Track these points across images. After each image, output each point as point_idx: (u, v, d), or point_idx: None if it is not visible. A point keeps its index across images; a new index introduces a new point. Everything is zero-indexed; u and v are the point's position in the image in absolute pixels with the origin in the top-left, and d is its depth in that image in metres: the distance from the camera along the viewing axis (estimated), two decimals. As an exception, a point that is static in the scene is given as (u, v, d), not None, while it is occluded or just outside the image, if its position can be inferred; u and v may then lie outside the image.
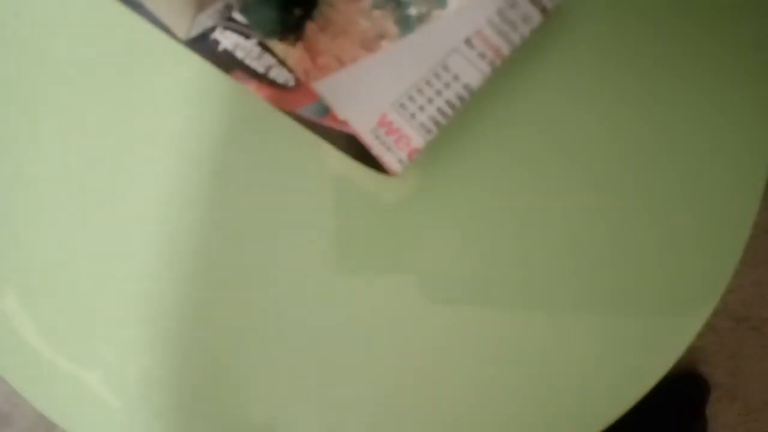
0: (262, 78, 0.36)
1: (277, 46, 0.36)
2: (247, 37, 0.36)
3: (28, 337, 0.37)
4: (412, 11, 0.36)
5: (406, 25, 0.36)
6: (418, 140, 0.36)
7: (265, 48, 0.36)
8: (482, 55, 0.36)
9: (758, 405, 1.00)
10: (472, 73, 0.36)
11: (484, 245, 0.38)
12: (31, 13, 0.37)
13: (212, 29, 0.36)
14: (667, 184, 0.39)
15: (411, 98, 0.36)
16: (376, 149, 0.36)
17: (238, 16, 0.36)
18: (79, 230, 0.38)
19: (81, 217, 0.38)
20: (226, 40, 0.36)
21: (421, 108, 0.36)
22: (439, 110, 0.36)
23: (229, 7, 0.36)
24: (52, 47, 0.37)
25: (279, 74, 0.36)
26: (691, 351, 0.99)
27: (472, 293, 0.38)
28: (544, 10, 0.36)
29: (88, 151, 0.38)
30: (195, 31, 0.36)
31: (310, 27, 0.36)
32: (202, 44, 0.36)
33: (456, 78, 0.36)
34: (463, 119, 0.38)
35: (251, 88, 0.37)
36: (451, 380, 0.38)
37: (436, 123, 0.36)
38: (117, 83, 0.37)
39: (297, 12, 0.36)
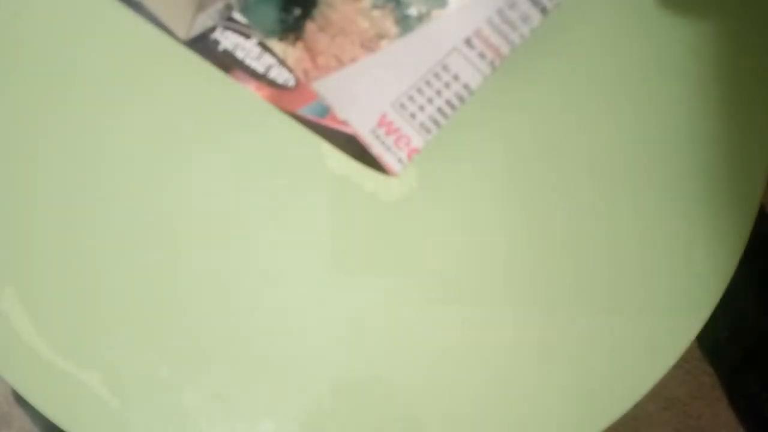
0: (262, 78, 0.36)
1: (277, 45, 0.36)
2: (247, 37, 0.36)
3: (28, 337, 0.37)
4: (412, 11, 0.36)
5: (406, 25, 0.36)
6: (417, 140, 0.36)
7: (265, 48, 0.36)
8: (482, 55, 0.36)
9: None
10: (472, 73, 0.36)
11: (483, 245, 0.38)
12: (30, 13, 0.37)
13: (212, 29, 0.36)
14: (668, 182, 0.39)
15: (411, 98, 0.36)
16: (376, 149, 0.36)
17: (238, 16, 0.36)
18: (78, 230, 0.38)
19: (80, 216, 0.38)
20: (226, 40, 0.36)
21: (421, 108, 0.36)
22: (439, 110, 0.36)
23: (229, 7, 0.36)
24: (52, 47, 0.37)
25: (279, 74, 0.36)
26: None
27: (472, 293, 0.38)
28: (543, 10, 0.36)
29: (88, 150, 0.38)
30: (195, 31, 0.36)
31: (310, 27, 0.36)
32: (202, 44, 0.36)
33: (456, 78, 0.36)
34: (462, 119, 0.38)
35: (251, 88, 0.37)
36: (450, 380, 0.38)
37: (436, 123, 0.36)
38: (116, 83, 0.37)
39: (296, 12, 0.36)
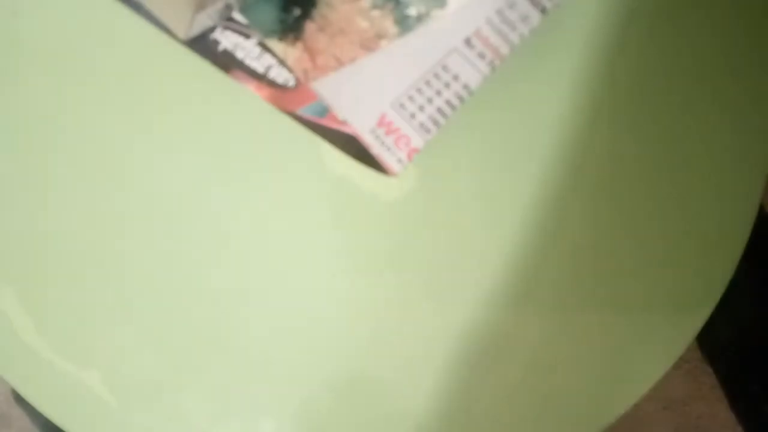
0: (261, 78, 0.36)
1: (277, 46, 0.36)
2: (247, 37, 0.36)
3: (28, 337, 0.37)
4: (412, 11, 0.36)
5: (406, 25, 0.36)
6: (417, 140, 0.36)
7: (265, 48, 0.36)
8: (481, 55, 0.36)
9: None
10: (472, 73, 0.36)
11: (483, 245, 0.38)
12: (30, 13, 0.37)
13: (212, 29, 0.36)
14: (667, 183, 0.39)
15: (410, 98, 0.36)
16: (376, 149, 0.36)
17: (238, 16, 0.36)
18: (78, 229, 0.38)
19: (80, 216, 0.38)
20: (226, 40, 0.36)
21: (421, 108, 0.36)
22: (439, 110, 0.37)
23: (229, 7, 0.36)
24: (51, 47, 0.37)
25: (279, 74, 0.36)
26: None
27: (471, 293, 0.38)
28: (543, 10, 0.36)
29: (88, 150, 0.38)
30: (195, 31, 0.36)
31: (310, 27, 0.36)
32: (202, 44, 0.36)
33: (455, 78, 0.36)
34: (462, 119, 0.38)
35: (251, 88, 0.37)
36: (449, 380, 0.38)
37: (436, 123, 0.36)
38: (117, 82, 0.37)
39: (296, 12, 0.36)
